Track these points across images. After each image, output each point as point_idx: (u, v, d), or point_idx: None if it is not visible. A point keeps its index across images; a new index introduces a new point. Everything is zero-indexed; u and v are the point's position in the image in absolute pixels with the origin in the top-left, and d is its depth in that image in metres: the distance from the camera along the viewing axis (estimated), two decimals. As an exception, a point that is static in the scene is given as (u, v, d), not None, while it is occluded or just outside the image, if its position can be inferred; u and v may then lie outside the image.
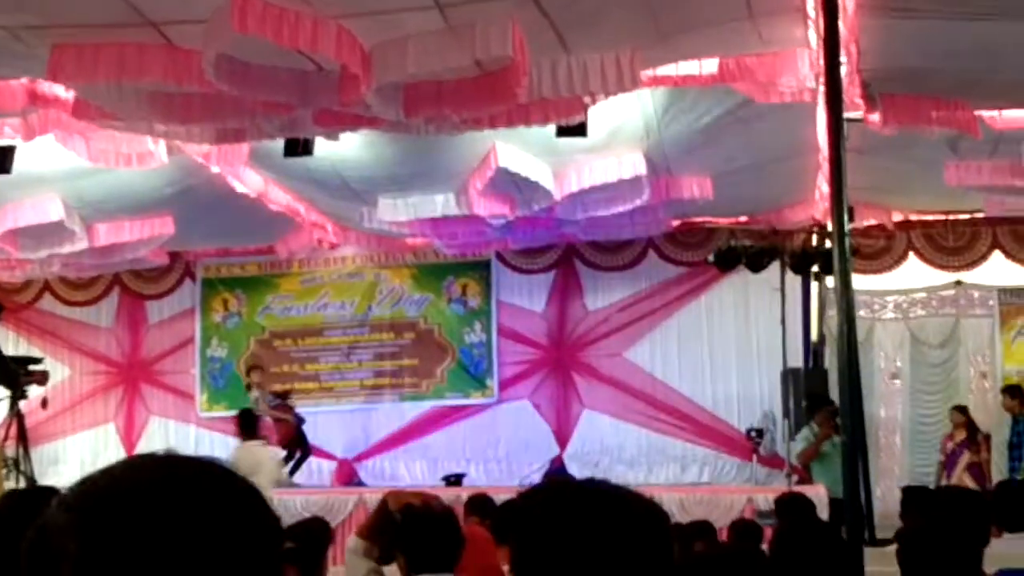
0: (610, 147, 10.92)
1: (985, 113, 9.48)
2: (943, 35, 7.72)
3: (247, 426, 10.59)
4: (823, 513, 9.48)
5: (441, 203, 12.23)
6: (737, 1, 7.21)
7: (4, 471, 11.07)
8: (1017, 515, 5.10)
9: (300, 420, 14.57)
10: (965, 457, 12.76)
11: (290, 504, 12.55)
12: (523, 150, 11.06)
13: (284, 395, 14.72)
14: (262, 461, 10.26)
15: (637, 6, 7.10)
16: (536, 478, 15.09)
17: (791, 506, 7.68)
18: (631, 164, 11.04)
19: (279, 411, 14.37)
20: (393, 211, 12.52)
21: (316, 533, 6.15)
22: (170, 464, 1.32)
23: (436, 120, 8.24)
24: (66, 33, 7.13)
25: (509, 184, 11.59)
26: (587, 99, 8.25)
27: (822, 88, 7.94)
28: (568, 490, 1.79)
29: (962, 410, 13.25)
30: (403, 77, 7.10)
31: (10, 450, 11.22)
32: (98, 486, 1.29)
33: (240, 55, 7.24)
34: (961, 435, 12.93)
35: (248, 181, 12.21)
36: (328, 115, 8.28)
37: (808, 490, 10.58)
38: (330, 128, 8.79)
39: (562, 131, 9.61)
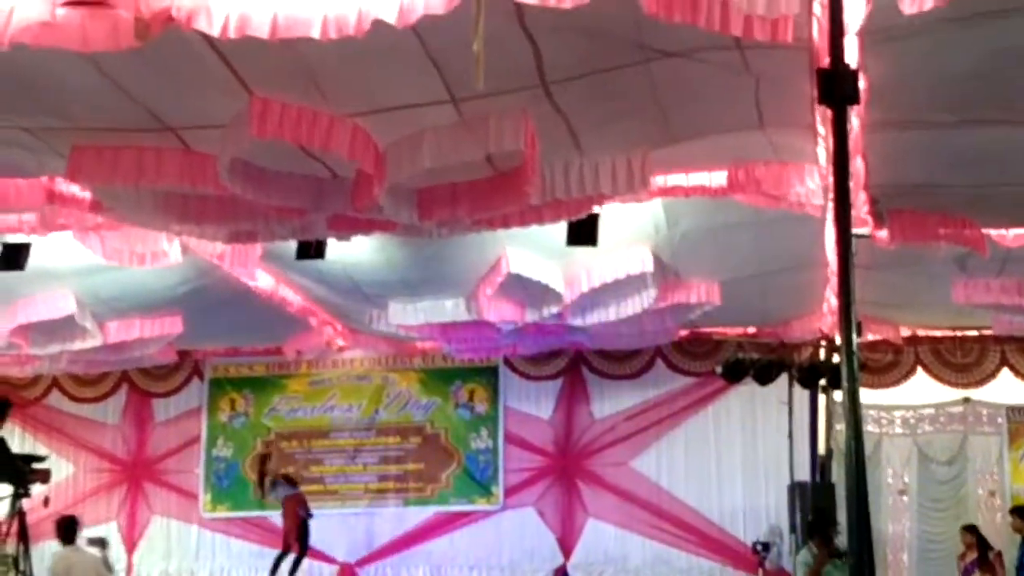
0: (619, 250, 10.97)
1: (993, 232, 9.54)
2: (950, 146, 7.80)
3: (66, 531, 10.71)
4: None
5: (451, 308, 12.28)
6: (748, 111, 7.30)
7: (3, 569, 10.93)
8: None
9: (309, 515, 14.44)
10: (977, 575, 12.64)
11: (290, 608, 12.43)
12: (534, 253, 11.11)
13: (293, 481, 14.66)
14: (73, 564, 10.46)
15: (651, 110, 7.19)
16: (540, 588, 14.96)
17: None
18: (639, 260, 11.04)
19: (295, 502, 14.30)
20: (403, 315, 12.56)
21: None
22: None
23: (449, 223, 8.30)
24: (85, 135, 7.26)
25: (519, 289, 11.63)
26: (596, 200, 8.31)
27: (830, 204, 8.00)
28: None
29: (971, 529, 13.14)
30: (418, 172, 7.14)
31: (11, 548, 11.11)
32: None
33: (255, 160, 7.36)
34: (972, 555, 12.82)
35: (260, 281, 12.28)
36: (341, 220, 8.36)
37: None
38: (343, 232, 8.86)
39: (572, 239, 9.68)
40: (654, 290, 11.56)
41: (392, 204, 7.67)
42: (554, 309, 12.16)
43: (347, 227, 8.57)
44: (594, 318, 12.49)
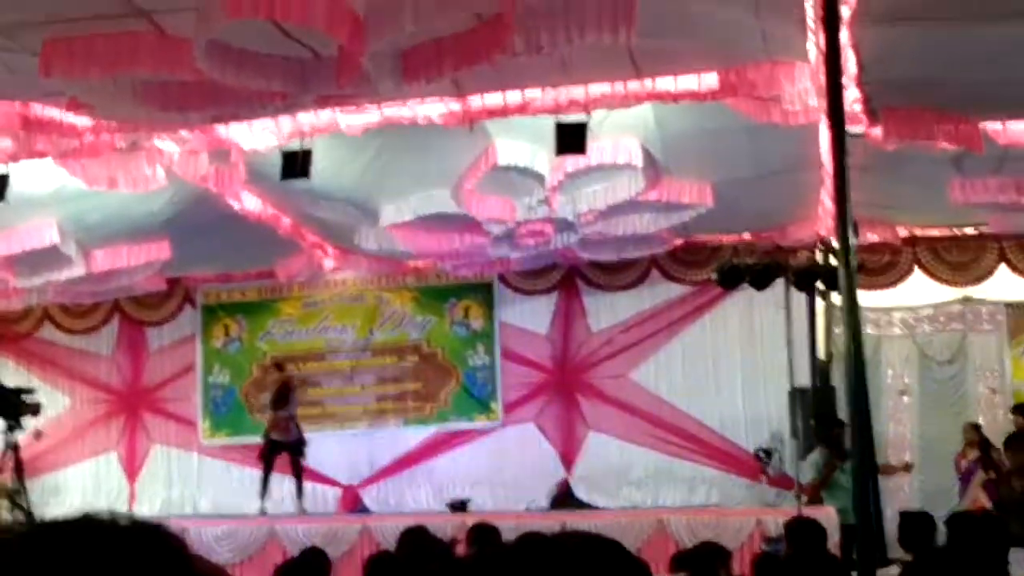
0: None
1: (990, 126, 9.35)
2: (947, 43, 7.60)
3: None
4: (833, 537, 9.31)
5: (440, 200, 11.94)
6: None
7: (2, 503, 10.93)
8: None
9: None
10: (979, 475, 12.58)
11: (292, 533, 12.42)
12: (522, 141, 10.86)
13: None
14: None
15: None
16: (543, 502, 14.98)
17: (801, 532, 7.50)
18: (627, 151, 10.77)
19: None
20: (395, 214, 12.24)
21: (314, 566, 6.01)
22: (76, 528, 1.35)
23: (435, 81, 7.92)
24: (58, 29, 7.00)
25: (506, 184, 11.38)
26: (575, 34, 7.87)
27: (824, 103, 7.81)
28: (539, 547, 1.63)
29: (976, 427, 13.10)
30: (400, 35, 6.90)
31: (8, 482, 11.10)
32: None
33: (233, 42, 7.09)
34: (974, 453, 12.77)
35: (246, 203, 12.10)
36: (327, 101, 8.01)
37: (818, 512, 10.41)
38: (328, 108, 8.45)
39: (562, 146, 9.48)
40: (643, 181, 11.28)
41: (376, 72, 7.37)
42: (540, 195, 11.82)
43: (335, 107, 8.18)
44: (582, 205, 12.14)
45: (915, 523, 7.63)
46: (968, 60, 7.86)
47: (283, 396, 14.42)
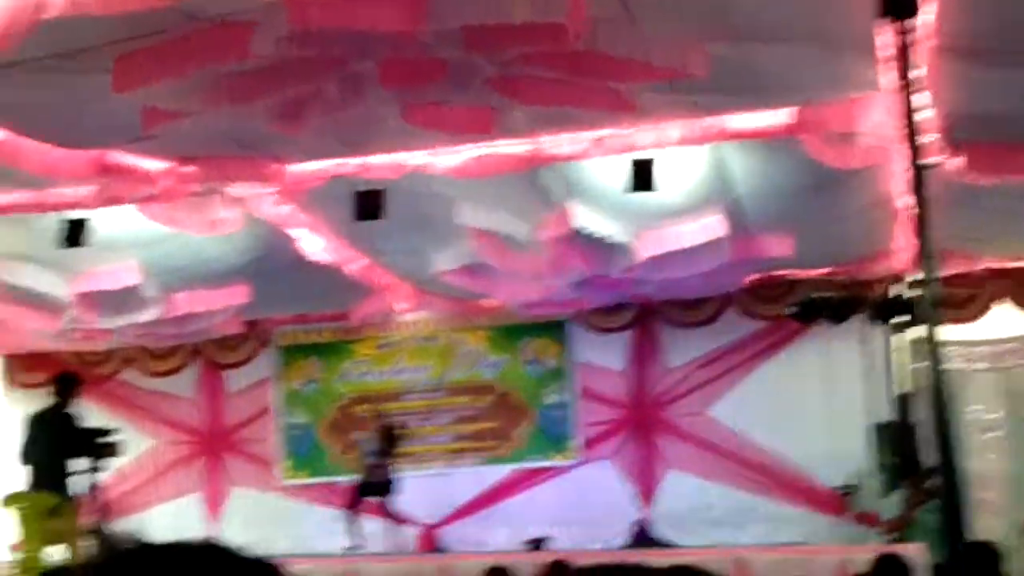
0: (686, 209, 10.75)
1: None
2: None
3: None
4: (920, 574, 9.10)
5: (521, 228, 11.93)
6: (812, 20, 6.99)
7: (85, 543, 11.05)
8: None
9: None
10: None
11: (372, 571, 12.42)
12: (597, 211, 10.92)
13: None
14: None
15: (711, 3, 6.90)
16: (621, 540, 14.84)
17: (889, 569, 7.35)
18: (712, 228, 10.86)
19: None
20: (474, 217, 12.20)
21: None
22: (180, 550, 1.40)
23: (495, 54, 7.83)
24: (122, 47, 7.08)
25: (586, 244, 11.43)
26: (644, 73, 7.81)
27: (900, 135, 7.69)
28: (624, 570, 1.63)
29: None
30: (458, 23, 6.89)
31: (91, 522, 11.23)
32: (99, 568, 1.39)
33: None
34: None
35: (320, 246, 12.21)
36: (392, 70, 7.85)
37: (905, 549, 10.19)
38: (396, 88, 8.32)
39: (633, 184, 9.46)
40: (727, 250, 11.35)
41: (437, 39, 7.30)
42: (622, 267, 11.95)
43: (400, 79, 8.00)
44: (665, 275, 12.28)
45: (978, 553, 7.45)
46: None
47: (388, 440, 14.57)
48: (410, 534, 15.49)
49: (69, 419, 11.35)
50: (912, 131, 6.72)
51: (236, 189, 10.35)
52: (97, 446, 11.33)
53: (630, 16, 7.18)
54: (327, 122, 8.48)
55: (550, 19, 6.60)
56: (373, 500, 14.47)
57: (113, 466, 13.20)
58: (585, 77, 8.09)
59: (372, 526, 14.63)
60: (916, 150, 6.85)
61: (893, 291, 13.21)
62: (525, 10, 6.71)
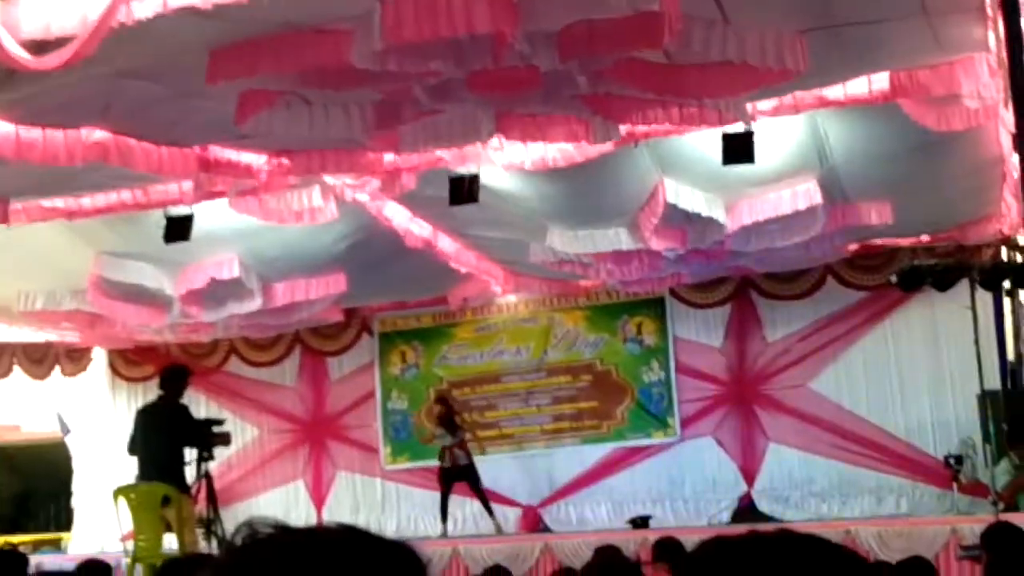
0: (781, 177, 10.63)
1: None
2: None
3: None
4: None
5: (612, 237, 12.09)
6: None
7: (199, 532, 11.31)
8: None
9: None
10: None
11: (475, 553, 12.53)
12: (692, 185, 10.86)
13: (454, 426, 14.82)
14: None
15: None
16: (725, 516, 14.78)
17: (1000, 537, 7.22)
18: (806, 195, 10.73)
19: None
20: (563, 242, 12.38)
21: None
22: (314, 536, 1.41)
23: (590, 64, 7.82)
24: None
25: (680, 218, 11.39)
26: (748, 80, 7.79)
27: (1005, 95, 7.52)
28: (748, 544, 1.62)
29: None
30: (551, 26, 6.87)
31: (203, 511, 11.49)
32: (241, 552, 1.39)
33: None
34: None
35: (417, 232, 12.31)
36: (483, 78, 7.91)
37: (1015, 517, 10.01)
38: (486, 95, 8.35)
39: (728, 156, 9.36)
40: (823, 219, 11.21)
41: (531, 46, 7.31)
42: (717, 237, 11.89)
43: (488, 86, 8.04)
44: (759, 245, 12.19)
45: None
46: None
47: (448, 426, 14.72)
48: (511, 515, 15.59)
49: (182, 411, 11.63)
50: (1017, 91, 6.58)
51: (332, 179, 10.46)
52: (208, 436, 11.60)
53: (723, 14, 7.11)
54: (421, 123, 8.54)
55: (645, 7, 6.56)
56: (462, 484, 14.63)
57: (222, 455, 13.56)
58: (679, 96, 8.09)
59: (469, 509, 14.81)
60: (1021, 110, 6.71)
61: (1000, 256, 13.03)
62: (619, 6, 6.68)
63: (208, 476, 11.54)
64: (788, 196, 10.82)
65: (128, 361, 17.62)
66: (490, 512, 14.55)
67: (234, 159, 9.22)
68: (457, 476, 14.58)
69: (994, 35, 7.13)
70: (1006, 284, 12.18)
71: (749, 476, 15.23)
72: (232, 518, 15.84)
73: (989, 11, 6.85)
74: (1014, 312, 13.53)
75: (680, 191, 10.78)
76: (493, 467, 15.33)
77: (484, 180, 10.24)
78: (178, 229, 10.68)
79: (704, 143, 9.65)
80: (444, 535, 14.19)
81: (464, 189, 10.24)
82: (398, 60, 7.11)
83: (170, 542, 11.09)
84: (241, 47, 7.05)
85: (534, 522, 15.71)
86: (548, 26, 7.03)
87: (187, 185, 9.81)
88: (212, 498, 11.50)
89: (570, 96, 8.22)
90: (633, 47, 7.22)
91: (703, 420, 15.56)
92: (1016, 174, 9.44)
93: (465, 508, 15.18)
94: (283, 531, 1.40)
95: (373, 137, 8.75)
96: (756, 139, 9.19)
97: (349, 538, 1.40)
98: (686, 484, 15.42)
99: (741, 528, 1.74)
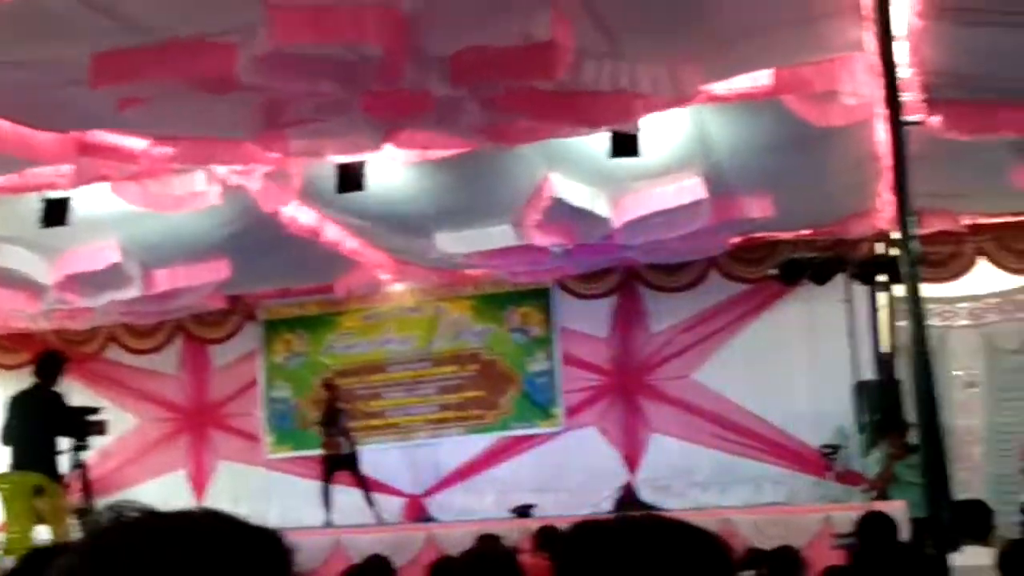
0: (666, 171, 10.75)
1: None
2: (1006, 41, 7.47)
3: None
4: (903, 531, 9.19)
5: (498, 235, 12.13)
6: (796, 3, 7.00)
7: (73, 523, 11.05)
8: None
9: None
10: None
11: (357, 542, 12.45)
12: (577, 178, 10.92)
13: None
14: None
15: (693, 9, 6.89)
16: (607, 506, 14.92)
17: (872, 526, 7.42)
18: (690, 190, 10.87)
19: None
20: (450, 244, 12.43)
21: (377, 573, 6.02)
22: (174, 519, 1.40)
23: (482, 90, 7.88)
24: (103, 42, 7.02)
25: (566, 213, 11.45)
26: (639, 107, 7.99)
27: (881, 93, 7.72)
28: (617, 527, 1.68)
29: None
30: (444, 51, 6.87)
31: (78, 502, 11.22)
32: (104, 535, 1.38)
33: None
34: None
35: (302, 219, 12.18)
36: (374, 100, 7.93)
37: (887, 506, 10.28)
38: (377, 117, 8.38)
39: (616, 151, 9.43)
40: (707, 212, 11.37)
41: (423, 70, 7.33)
42: (602, 232, 11.99)
43: (380, 109, 8.09)
44: (644, 238, 12.32)
45: (970, 511, 7.53)
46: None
47: (332, 415, 14.62)
48: (395, 504, 15.55)
49: (56, 399, 11.31)
50: (893, 89, 6.76)
51: (217, 167, 10.30)
52: (84, 425, 11.32)
53: (613, 42, 7.18)
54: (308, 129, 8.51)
55: (537, 38, 6.61)
56: (345, 472, 14.55)
57: (98, 445, 13.25)
58: (572, 124, 8.18)
59: (352, 498, 14.71)
60: (897, 108, 6.89)
61: (876, 250, 13.37)
62: (511, 33, 6.72)
63: (83, 466, 11.26)
64: (673, 191, 10.96)
65: (2, 348, 17.13)
66: (370, 502, 14.47)
67: (115, 143, 9.01)
68: (339, 464, 14.49)
69: (872, 38, 7.30)
70: (881, 278, 12.52)
71: (632, 465, 15.41)
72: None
73: (866, 13, 7.01)
74: (888, 305, 13.90)
75: (566, 186, 10.84)
76: (378, 456, 15.26)
77: (372, 181, 10.18)
78: (55, 213, 10.40)
79: (591, 138, 9.70)
80: (328, 524, 14.07)
81: (352, 176, 10.16)
82: (285, 77, 7.05)
83: (44, 533, 10.82)
84: (125, 53, 6.94)
85: (418, 511, 15.70)
86: (439, 50, 7.04)
87: (65, 168, 9.56)
88: (87, 488, 11.23)
89: (463, 122, 8.29)
90: (526, 77, 7.28)
91: (587, 410, 15.70)
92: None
93: (347, 498, 15.06)
94: (148, 515, 1.39)
95: (259, 136, 8.66)
96: (642, 134, 9.28)
97: (213, 522, 1.39)
98: (570, 473, 15.53)
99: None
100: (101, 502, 11.95)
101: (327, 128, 8.53)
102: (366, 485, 14.56)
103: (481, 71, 7.23)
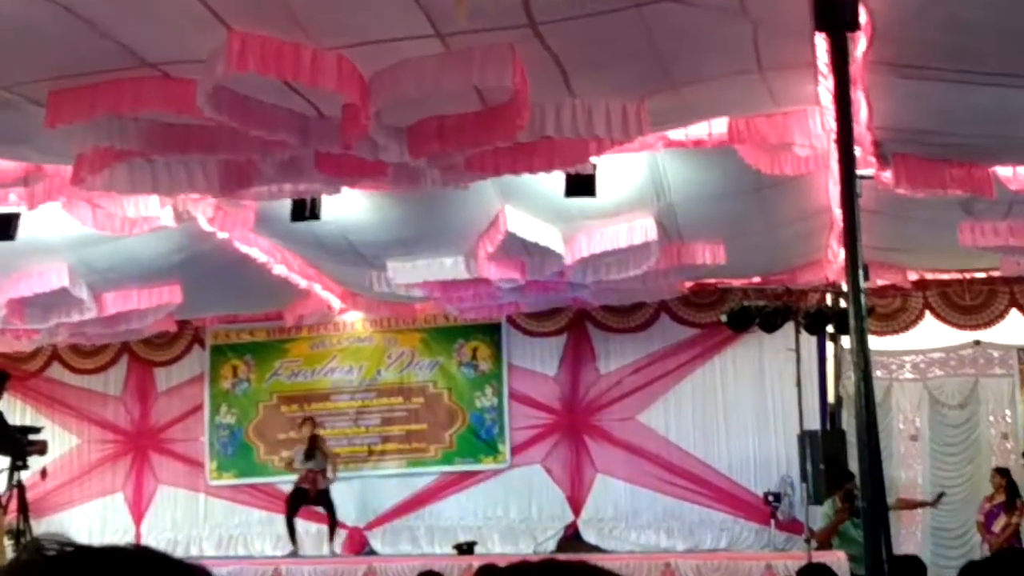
0: (620, 212, 10.80)
1: (1000, 171, 9.33)
2: (956, 98, 7.59)
3: None
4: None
5: (450, 266, 12.11)
6: (747, 53, 7.08)
7: (9, 543, 10.87)
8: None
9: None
10: (1001, 519, 12.58)
11: (297, 573, 12.35)
12: (532, 214, 10.95)
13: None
14: None
15: (646, 55, 6.96)
16: (551, 545, 14.87)
17: (812, 576, 7.43)
18: (642, 230, 10.92)
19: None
20: (402, 274, 12.39)
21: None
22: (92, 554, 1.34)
23: (440, 159, 7.99)
24: (62, 84, 7.00)
25: (519, 248, 11.47)
26: (593, 148, 8.08)
27: (833, 147, 7.81)
28: (545, 571, 1.68)
29: (1003, 472, 13.08)
30: (401, 100, 6.90)
31: (14, 522, 11.05)
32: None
33: (239, 88, 7.08)
34: (1000, 497, 12.76)
35: (255, 247, 12.11)
36: (330, 161, 8.02)
37: (828, 556, 10.33)
38: (333, 176, 8.53)
39: (571, 190, 9.47)
40: (658, 255, 11.43)
41: (382, 140, 7.40)
42: (554, 269, 12.02)
43: (336, 170, 8.21)
44: (596, 277, 12.36)
45: (906, 567, 7.57)
46: (979, 115, 7.86)
47: (312, 451, 14.55)
48: (337, 536, 15.43)
49: (-8, 416, 11.16)
50: (845, 143, 6.83)
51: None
52: (22, 445, 11.17)
53: (569, 89, 7.26)
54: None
55: (495, 94, 6.68)
56: (311, 507, 14.53)
57: (37, 464, 13.06)
58: (531, 170, 8.32)
59: (303, 529, 14.63)
60: (848, 162, 6.96)
61: (825, 301, 13.50)
62: (470, 91, 6.79)
63: (21, 486, 11.11)
64: (625, 230, 10.99)
65: (-57, 363, 16.87)
66: (332, 536, 14.49)
67: (63, 166, 8.93)
68: (312, 500, 14.50)
69: (826, 91, 7.39)
70: (829, 328, 12.64)
71: (576, 505, 15.38)
72: (47, 530, 15.34)
73: (823, 68, 7.09)
74: (836, 356, 14.02)
75: (521, 220, 10.86)
76: (320, 487, 15.17)
77: (327, 211, 10.17)
78: (3, 228, 10.26)
79: (547, 176, 9.74)
80: (295, 554, 14.20)
81: (306, 207, 10.13)
82: (244, 118, 7.06)
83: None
84: (81, 89, 6.91)
85: (360, 544, 15.57)
86: (397, 120, 7.10)
87: (16, 188, 9.46)
88: (24, 509, 11.08)
89: (420, 181, 8.46)
90: (487, 142, 7.36)
91: (533, 448, 15.66)
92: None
93: (302, 529, 14.96)
94: (73, 550, 1.33)
95: (219, 195, 8.75)
96: (598, 174, 9.33)
97: (140, 560, 1.34)
98: (513, 511, 15.48)
99: (565, 558, 1.80)
100: (38, 523, 11.80)
101: (284, 184, 8.66)
102: (334, 520, 14.55)
103: (440, 142, 7.34)
